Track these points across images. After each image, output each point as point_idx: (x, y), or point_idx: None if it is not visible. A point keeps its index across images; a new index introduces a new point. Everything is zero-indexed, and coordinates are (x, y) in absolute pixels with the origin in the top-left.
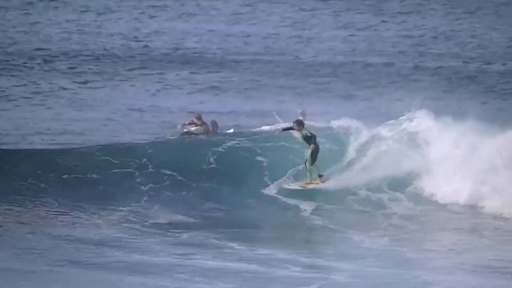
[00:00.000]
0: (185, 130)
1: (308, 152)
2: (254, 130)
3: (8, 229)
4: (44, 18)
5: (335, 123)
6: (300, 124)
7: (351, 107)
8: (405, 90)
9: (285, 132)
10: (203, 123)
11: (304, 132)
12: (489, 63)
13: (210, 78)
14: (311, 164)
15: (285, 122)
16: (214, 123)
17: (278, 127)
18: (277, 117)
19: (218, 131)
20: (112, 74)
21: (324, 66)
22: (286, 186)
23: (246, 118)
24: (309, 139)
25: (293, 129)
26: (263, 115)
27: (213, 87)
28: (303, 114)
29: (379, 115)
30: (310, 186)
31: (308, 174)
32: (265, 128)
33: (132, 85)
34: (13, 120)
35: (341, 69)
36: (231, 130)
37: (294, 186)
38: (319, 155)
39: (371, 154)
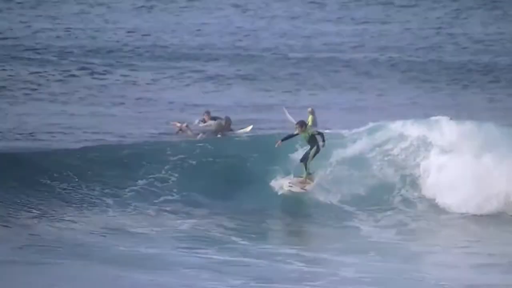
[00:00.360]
0: (185, 125)
1: (312, 150)
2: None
3: (15, 222)
4: (48, 13)
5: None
6: (302, 125)
7: (356, 100)
8: (410, 84)
9: (286, 141)
10: (216, 119)
11: (311, 131)
12: (497, 56)
13: (215, 71)
14: (309, 162)
15: (293, 117)
16: (228, 119)
17: (279, 141)
18: (287, 113)
19: (232, 127)
20: (117, 67)
21: (330, 60)
22: (286, 188)
23: (252, 112)
24: (314, 138)
25: (295, 135)
26: (270, 109)
27: (218, 81)
28: (312, 112)
29: (383, 110)
30: (308, 187)
31: (305, 172)
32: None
33: (137, 78)
34: (18, 116)
35: (347, 63)
36: (250, 127)
37: (295, 189)
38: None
39: (378, 157)
